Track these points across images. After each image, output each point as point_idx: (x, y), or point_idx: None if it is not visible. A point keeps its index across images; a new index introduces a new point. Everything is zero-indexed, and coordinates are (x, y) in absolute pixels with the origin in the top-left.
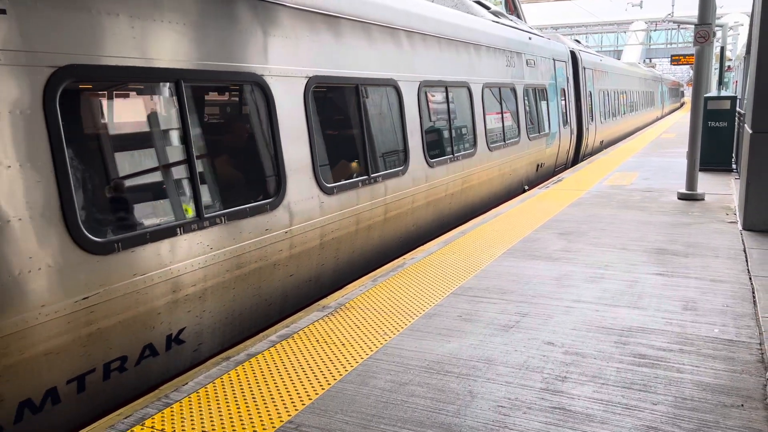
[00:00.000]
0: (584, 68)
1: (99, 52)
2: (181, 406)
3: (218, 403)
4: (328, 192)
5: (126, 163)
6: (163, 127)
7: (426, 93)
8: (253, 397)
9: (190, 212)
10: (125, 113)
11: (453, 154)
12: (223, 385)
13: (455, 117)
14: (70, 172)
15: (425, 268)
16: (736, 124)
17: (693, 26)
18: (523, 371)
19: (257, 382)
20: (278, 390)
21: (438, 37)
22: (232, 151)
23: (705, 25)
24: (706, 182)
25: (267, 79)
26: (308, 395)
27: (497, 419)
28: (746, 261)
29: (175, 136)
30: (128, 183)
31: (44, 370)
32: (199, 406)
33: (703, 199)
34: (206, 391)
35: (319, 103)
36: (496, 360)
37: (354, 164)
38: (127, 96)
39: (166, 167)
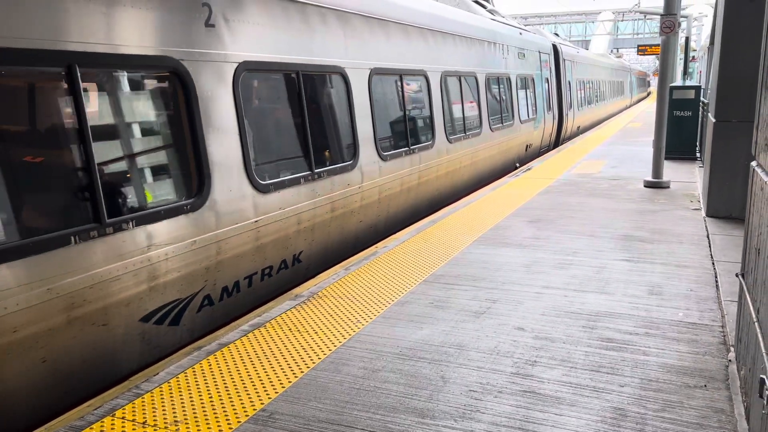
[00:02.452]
0: (564, 60)
1: (259, 51)
2: (152, 396)
3: (190, 393)
4: (384, 159)
5: (276, 129)
6: (291, 105)
7: (445, 81)
8: (226, 387)
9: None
10: (271, 95)
11: (465, 132)
12: (194, 374)
13: (467, 101)
14: (247, 136)
15: (398, 257)
16: (700, 113)
17: (659, 17)
18: (494, 356)
19: (229, 372)
20: (251, 379)
21: (454, 35)
22: (329, 124)
23: (670, 15)
24: (672, 170)
25: (347, 71)
26: (281, 383)
27: (469, 403)
28: (709, 247)
29: (296, 112)
30: (276, 144)
31: (235, 267)
32: (171, 396)
33: (668, 187)
34: (177, 381)
35: (375, 89)
36: (468, 345)
37: (398, 137)
38: (272, 82)
39: (293, 133)
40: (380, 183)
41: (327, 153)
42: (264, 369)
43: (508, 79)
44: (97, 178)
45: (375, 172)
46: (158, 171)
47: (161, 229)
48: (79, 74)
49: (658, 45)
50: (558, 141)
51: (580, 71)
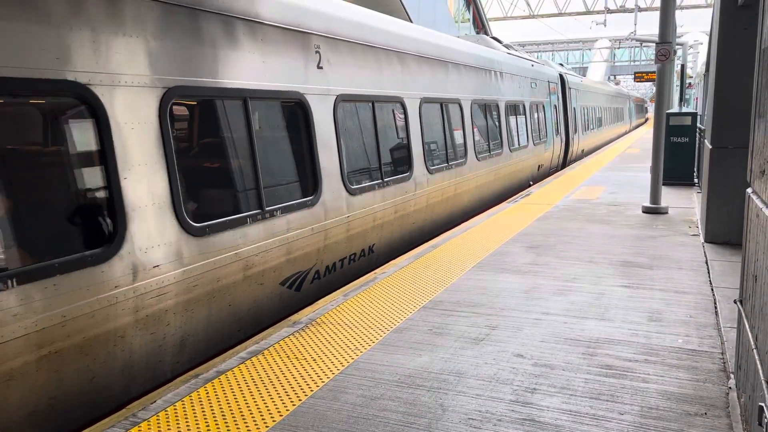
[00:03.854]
0: (570, 88)
1: (349, 86)
2: (149, 424)
3: (187, 422)
4: (431, 172)
5: (358, 146)
6: (368, 127)
7: (475, 108)
8: (223, 415)
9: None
10: (355, 120)
11: (490, 152)
12: (192, 402)
13: (491, 125)
14: (342, 151)
15: (396, 283)
16: (697, 139)
17: (654, 44)
18: (494, 383)
19: (227, 400)
20: (248, 407)
21: (481, 68)
22: (393, 142)
23: (666, 43)
24: (670, 196)
25: (405, 100)
26: (279, 412)
27: None
28: (708, 272)
29: (372, 132)
30: (358, 158)
31: (333, 251)
32: (168, 425)
33: (666, 213)
34: (175, 410)
35: (423, 115)
36: (467, 373)
37: (440, 154)
38: (355, 110)
39: (370, 149)
40: (428, 192)
41: (392, 166)
42: (261, 397)
43: (524, 106)
44: (260, 178)
45: (424, 183)
46: (293, 175)
47: (294, 217)
48: (250, 104)
49: (655, 72)
50: (565, 162)
51: (584, 98)
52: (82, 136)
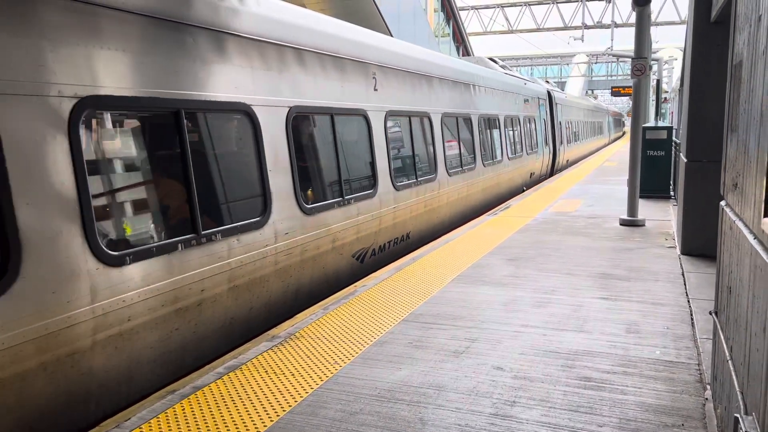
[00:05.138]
0: (556, 103)
1: (394, 104)
2: None
3: None
4: (450, 175)
5: (398, 152)
6: (406, 137)
7: (480, 121)
8: None
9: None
10: (398, 131)
11: (492, 159)
12: (167, 419)
13: (494, 137)
14: (390, 154)
15: (376, 296)
16: (673, 153)
17: (630, 60)
18: (473, 397)
19: (203, 416)
20: (225, 424)
21: (486, 87)
22: (424, 149)
23: (641, 58)
24: (647, 209)
25: (431, 115)
26: (256, 428)
27: None
28: (685, 284)
29: (408, 142)
30: (399, 161)
31: (384, 234)
32: None
33: (643, 225)
34: (150, 427)
35: (444, 127)
36: (447, 386)
37: (455, 160)
38: (397, 122)
39: (407, 155)
40: (447, 192)
41: (422, 168)
42: (239, 413)
43: (519, 120)
44: (342, 174)
45: (445, 184)
46: (360, 172)
47: (361, 205)
48: (334, 119)
49: (631, 86)
50: (552, 171)
51: (568, 113)
52: (248, 139)
